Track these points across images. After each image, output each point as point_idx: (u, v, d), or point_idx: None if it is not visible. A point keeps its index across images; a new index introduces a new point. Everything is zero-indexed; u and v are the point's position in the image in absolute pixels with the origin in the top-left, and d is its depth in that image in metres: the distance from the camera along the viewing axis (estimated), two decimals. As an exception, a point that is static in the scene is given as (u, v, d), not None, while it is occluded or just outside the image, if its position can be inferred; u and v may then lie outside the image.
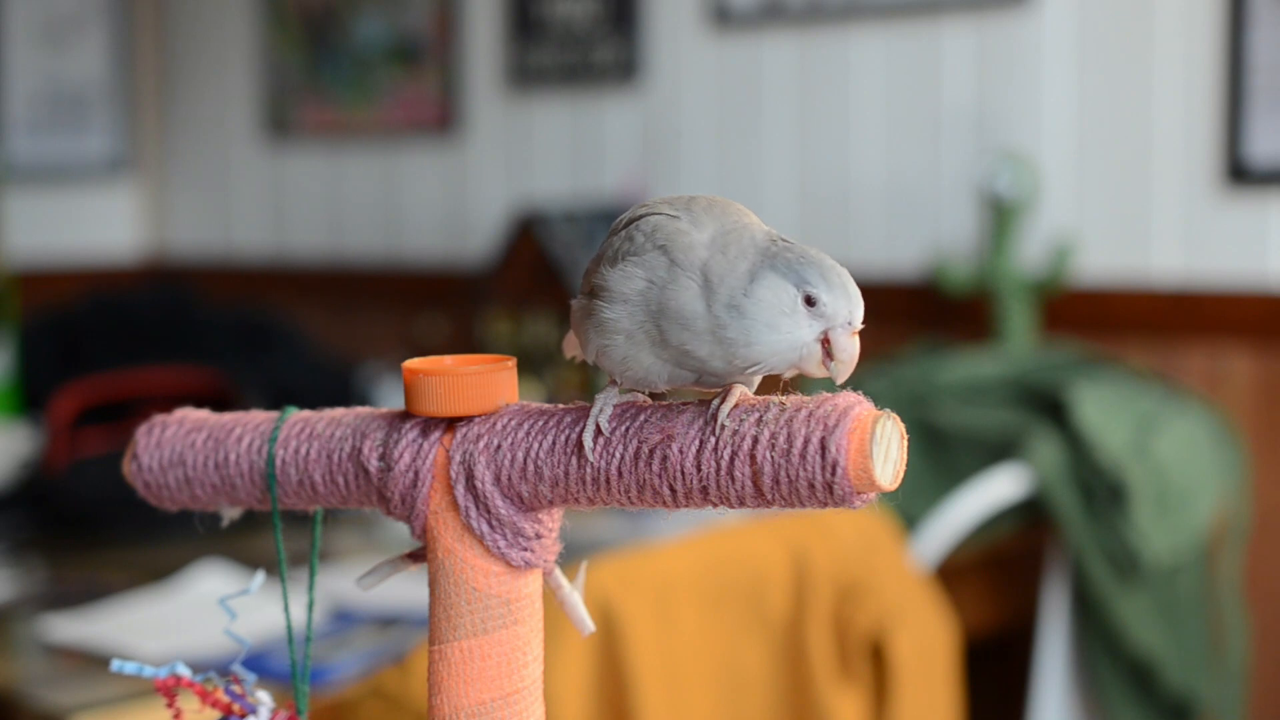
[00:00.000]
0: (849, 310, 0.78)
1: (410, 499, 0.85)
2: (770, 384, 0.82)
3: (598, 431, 0.80)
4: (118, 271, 4.32)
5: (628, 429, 0.80)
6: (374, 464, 0.86)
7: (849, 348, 0.78)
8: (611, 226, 0.84)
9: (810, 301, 0.78)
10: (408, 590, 1.81)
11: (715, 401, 0.79)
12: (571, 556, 0.87)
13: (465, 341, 3.51)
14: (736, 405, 0.78)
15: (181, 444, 0.92)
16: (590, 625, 0.88)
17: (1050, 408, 2.45)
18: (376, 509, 0.88)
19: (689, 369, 0.80)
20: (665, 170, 3.33)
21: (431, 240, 3.79)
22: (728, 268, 0.78)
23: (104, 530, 2.36)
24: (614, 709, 1.83)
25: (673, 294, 0.78)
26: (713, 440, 0.77)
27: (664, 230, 0.80)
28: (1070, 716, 2.41)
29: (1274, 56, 2.61)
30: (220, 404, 1.92)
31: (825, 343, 0.78)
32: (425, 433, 0.85)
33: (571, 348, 0.87)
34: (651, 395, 0.83)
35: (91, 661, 1.80)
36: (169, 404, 1.00)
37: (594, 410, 0.81)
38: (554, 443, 0.82)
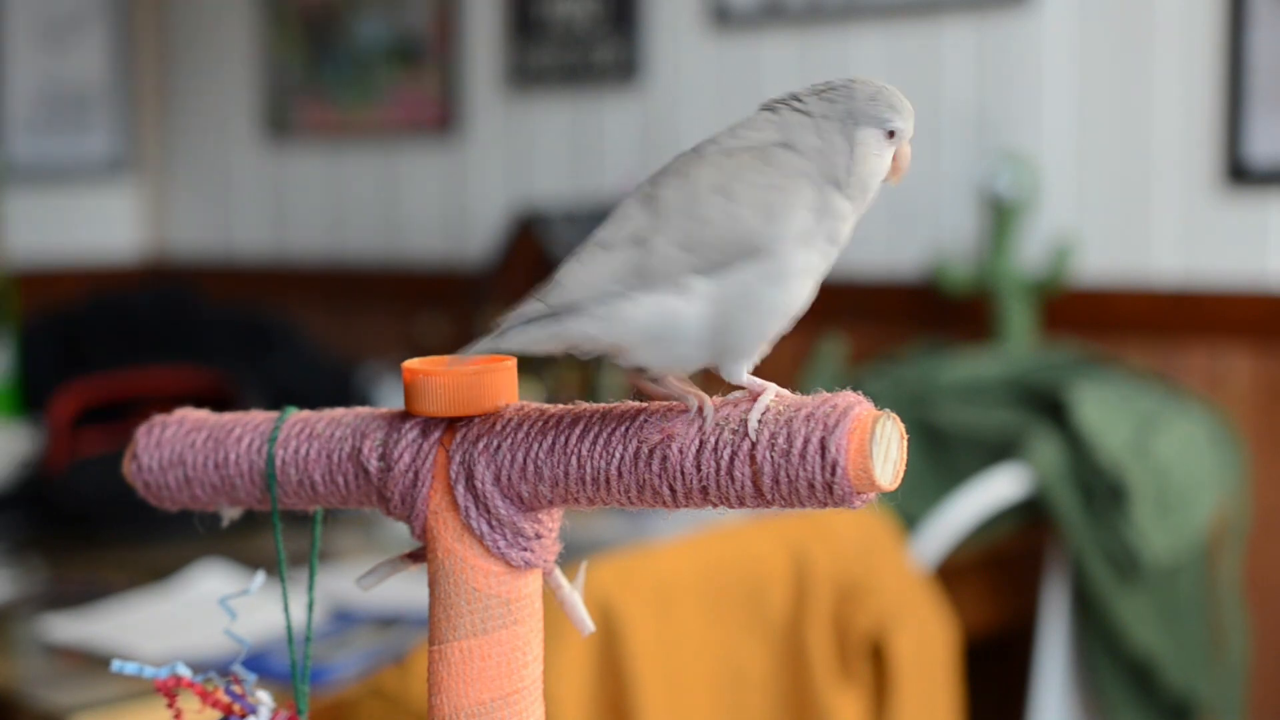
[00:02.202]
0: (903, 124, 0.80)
1: (410, 499, 0.85)
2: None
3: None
4: (118, 271, 4.32)
5: (628, 429, 0.80)
6: (374, 464, 0.86)
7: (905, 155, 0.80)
8: None
9: (891, 134, 0.80)
10: (408, 590, 1.81)
11: (742, 406, 0.77)
12: (571, 556, 0.87)
13: (465, 341, 3.50)
14: (767, 410, 0.77)
15: (181, 444, 0.92)
16: (590, 625, 0.88)
17: (1050, 408, 2.45)
18: (376, 509, 0.88)
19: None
20: (665, 170, 3.33)
21: (431, 240, 3.79)
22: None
23: (104, 530, 2.36)
24: (614, 709, 1.83)
25: None
26: (713, 440, 0.77)
27: None
28: (1070, 716, 2.41)
29: (1274, 56, 2.61)
30: (220, 404, 1.92)
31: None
32: (425, 433, 0.85)
33: None
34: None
35: (91, 661, 1.80)
36: (169, 404, 1.00)
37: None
38: (554, 443, 0.82)
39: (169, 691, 0.89)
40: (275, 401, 2.50)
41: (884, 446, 0.75)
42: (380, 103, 3.87)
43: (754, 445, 0.76)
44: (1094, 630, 2.34)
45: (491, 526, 0.83)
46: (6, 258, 3.26)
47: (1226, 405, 2.66)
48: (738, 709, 1.95)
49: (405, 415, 0.86)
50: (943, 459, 2.44)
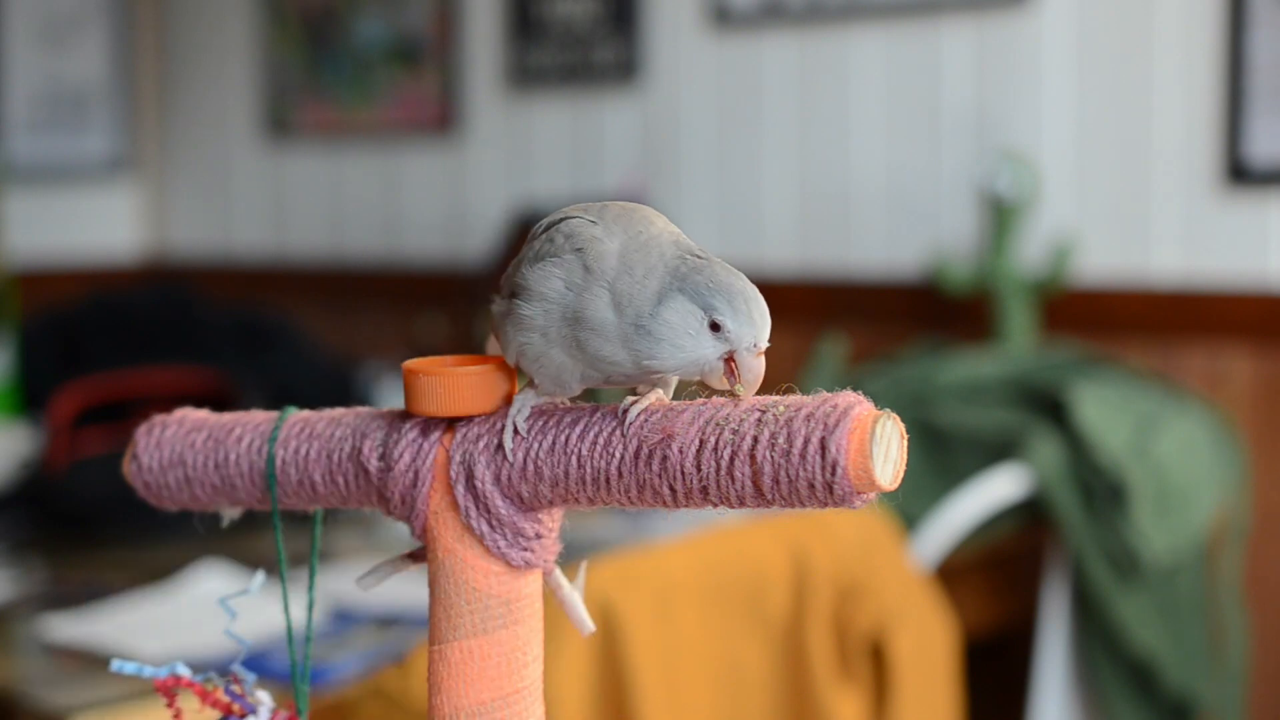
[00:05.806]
0: (754, 335, 0.79)
1: (410, 499, 0.85)
2: (767, 386, 0.82)
3: (515, 432, 0.82)
4: (118, 271, 4.32)
5: (628, 429, 0.80)
6: (374, 464, 0.86)
7: (753, 368, 0.80)
8: (531, 231, 0.85)
9: (715, 327, 0.79)
10: (408, 590, 1.81)
11: (627, 400, 0.80)
12: (571, 556, 0.87)
13: (465, 341, 3.51)
14: (649, 408, 0.79)
15: (181, 444, 0.92)
16: (590, 625, 0.88)
17: (1050, 408, 2.45)
18: (376, 509, 0.88)
19: (600, 371, 0.81)
20: (665, 170, 3.33)
21: (431, 240, 3.79)
22: (635, 288, 0.80)
23: (104, 530, 2.36)
24: (614, 709, 1.83)
25: (587, 300, 0.80)
26: (713, 440, 0.77)
27: (580, 235, 0.82)
28: (1070, 716, 2.41)
29: (1274, 56, 2.61)
30: (220, 404, 1.91)
31: (731, 360, 0.79)
32: (425, 433, 0.85)
33: (494, 350, 0.88)
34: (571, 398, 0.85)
35: (91, 661, 1.80)
36: (169, 404, 1.00)
37: (511, 411, 0.82)
38: (554, 443, 0.82)
39: (169, 691, 0.89)
40: (275, 401, 2.49)
41: (884, 446, 0.75)
42: (380, 103, 3.87)
43: (754, 445, 0.76)
44: (1094, 630, 2.34)
45: (491, 526, 0.83)
46: (6, 258, 3.26)
47: (1226, 405, 2.66)
48: (738, 709, 1.95)
49: (405, 415, 0.86)
50: (943, 459, 2.44)
